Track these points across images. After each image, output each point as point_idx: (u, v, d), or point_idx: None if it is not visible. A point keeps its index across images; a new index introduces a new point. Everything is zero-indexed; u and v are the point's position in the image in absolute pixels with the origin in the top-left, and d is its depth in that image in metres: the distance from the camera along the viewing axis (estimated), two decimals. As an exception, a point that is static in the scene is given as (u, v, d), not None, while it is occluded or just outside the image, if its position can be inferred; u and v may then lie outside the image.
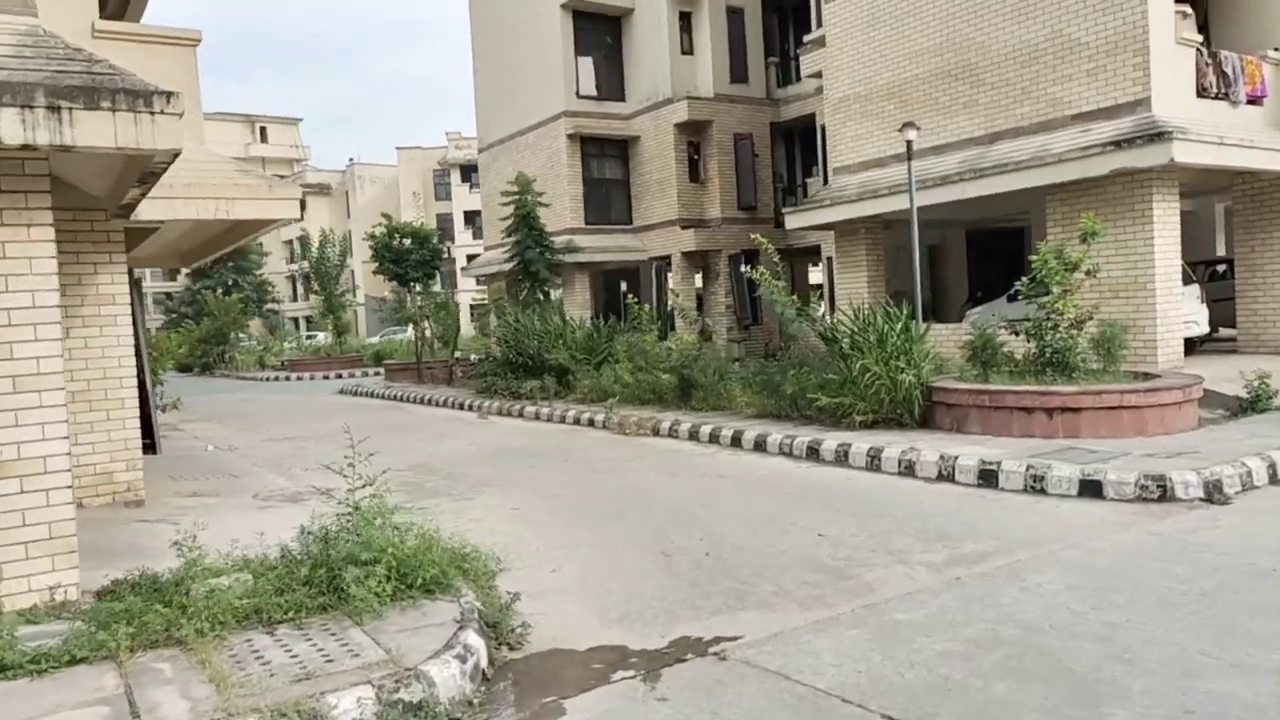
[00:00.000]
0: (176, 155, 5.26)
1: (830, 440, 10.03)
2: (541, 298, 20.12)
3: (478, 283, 31.03)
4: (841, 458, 9.70)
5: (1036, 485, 7.96)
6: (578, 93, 23.94)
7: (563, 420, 14.54)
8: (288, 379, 31.70)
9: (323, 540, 5.52)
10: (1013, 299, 13.21)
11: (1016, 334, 10.66)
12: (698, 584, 5.90)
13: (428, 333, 24.64)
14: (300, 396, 23.72)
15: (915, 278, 12.41)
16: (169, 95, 5.02)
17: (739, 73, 23.38)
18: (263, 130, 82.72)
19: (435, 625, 4.84)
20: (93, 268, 8.04)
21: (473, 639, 4.67)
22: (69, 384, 7.88)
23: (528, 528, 7.60)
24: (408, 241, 25.57)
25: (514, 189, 20.70)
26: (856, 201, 15.18)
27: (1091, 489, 7.69)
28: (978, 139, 14.15)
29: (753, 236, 13.18)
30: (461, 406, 17.59)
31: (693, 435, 11.89)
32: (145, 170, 5.71)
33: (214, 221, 9.17)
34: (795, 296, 12.23)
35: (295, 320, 65.04)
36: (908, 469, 8.99)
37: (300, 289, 67.90)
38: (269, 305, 52.24)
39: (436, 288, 25.01)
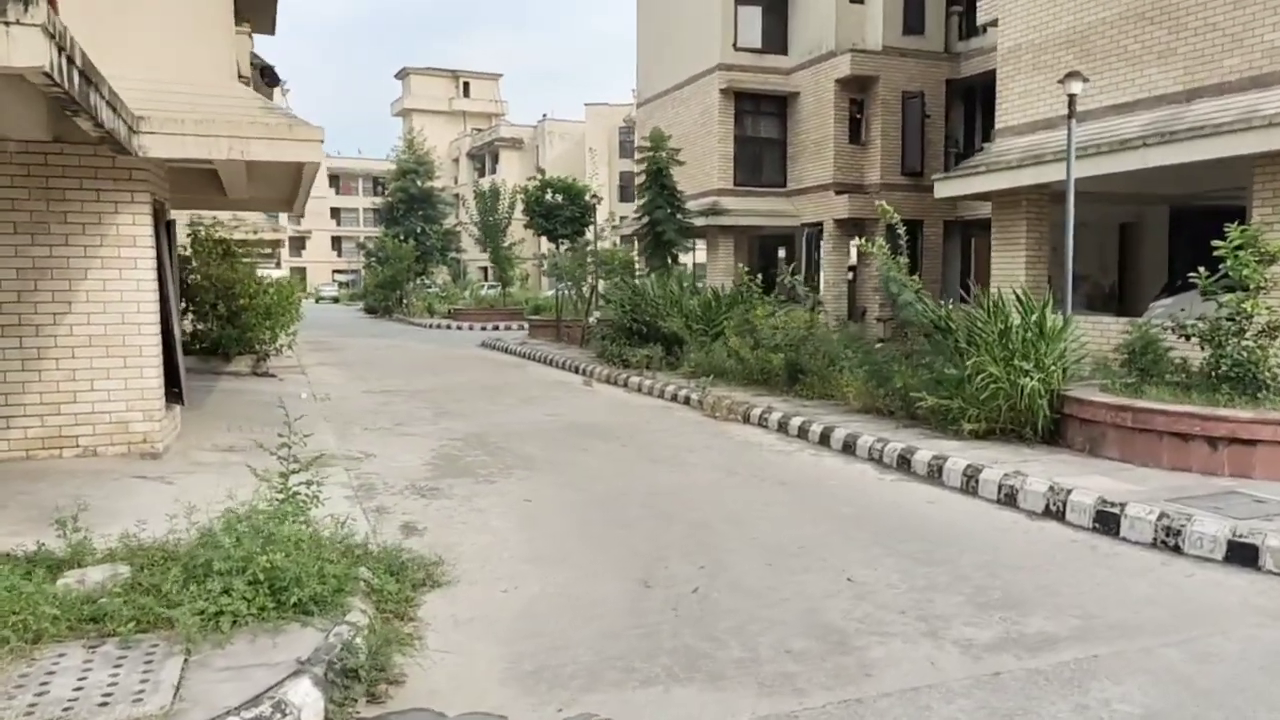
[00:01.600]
0: (48, 76, 4.46)
1: (926, 450, 8.35)
2: (670, 261, 18.88)
3: (621, 241, 30.19)
4: (934, 473, 8.02)
5: (1169, 540, 6.08)
6: (735, 44, 22.37)
7: (661, 395, 13.42)
8: (447, 328, 32.26)
9: (207, 535, 4.68)
10: (1208, 293, 10.74)
11: (1188, 337, 8.47)
12: (654, 634, 4.65)
13: (574, 291, 24.02)
14: (441, 347, 23.80)
15: (1067, 260, 10.27)
16: (28, 4, 4.20)
17: (914, 23, 20.97)
18: (465, 85, 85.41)
19: (276, 664, 3.89)
20: (113, 206, 7.60)
21: (300, 692, 3.68)
22: (86, 327, 7.52)
23: (522, 528, 6.56)
24: (560, 197, 25.05)
25: (648, 144, 19.47)
26: (1016, 169, 12.95)
27: (1243, 555, 5.76)
28: (1172, 96, 11.60)
29: (877, 203, 11.41)
30: (576, 370, 16.82)
31: (781, 427, 10.44)
32: (51, 93, 4.98)
33: (261, 164, 8.58)
34: (916, 275, 10.42)
35: (485, 269, 66.99)
36: (1008, 497, 7.24)
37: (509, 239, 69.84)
38: (452, 254, 53.67)
39: (588, 244, 24.21)
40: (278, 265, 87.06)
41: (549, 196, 25.21)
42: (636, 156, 20.58)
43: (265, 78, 28.57)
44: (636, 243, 20.78)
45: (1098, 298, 16.82)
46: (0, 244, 7.32)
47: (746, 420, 11.05)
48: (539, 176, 24.76)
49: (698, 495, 7.53)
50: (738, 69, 22.29)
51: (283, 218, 59.51)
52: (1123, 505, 6.44)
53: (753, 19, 22.44)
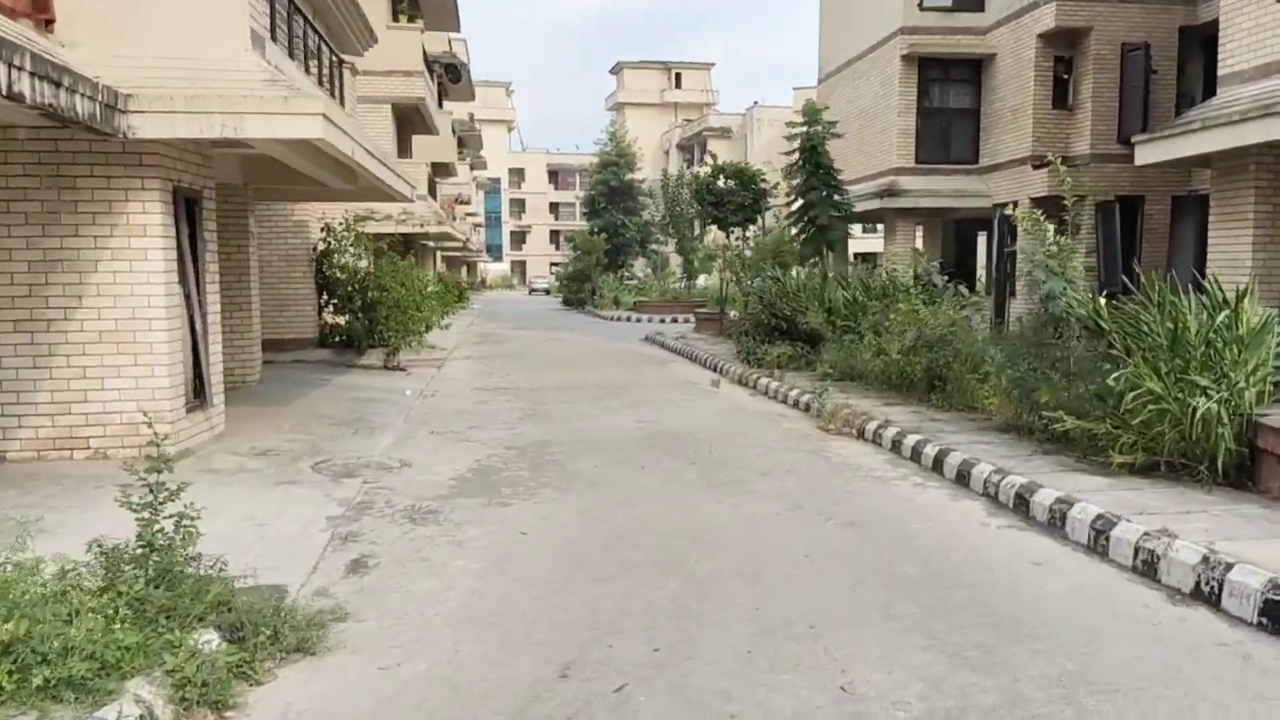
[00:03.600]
0: None
1: (1051, 488, 6.40)
2: (825, 249, 17.09)
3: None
4: (1057, 521, 6.09)
5: (1377, 656, 4.00)
6: (922, 3, 20.01)
7: (784, 400, 11.89)
8: (626, 320, 31.96)
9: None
10: None
11: None
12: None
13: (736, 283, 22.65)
14: (603, 340, 23.22)
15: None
16: None
17: (1136, -39, 17.77)
18: (677, 76, 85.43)
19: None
20: (123, 194, 7.21)
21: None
22: (96, 323, 7.18)
23: (486, 573, 5.43)
24: (732, 183, 23.72)
25: (800, 120, 17.73)
26: (1239, 123, 10.18)
27: None
28: None
29: (1051, 164, 9.22)
30: (715, 369, 15.54)
31: (895, 446, 8.66)
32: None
33: (290, 143, 7.96)
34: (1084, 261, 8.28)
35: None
36: (1146, 565, 5.26)
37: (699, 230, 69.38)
38: (652, 246, 53.48)
39: (760, 233, 22.83)
40: (498, 259, 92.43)
41: (720, 182, 23.91)
42: (787, 134, 18.87)
43: (450, 74, 29.25)
44: (793, 230, 19.06)
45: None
46: (12, 235, 7.10)
47: (861, 435, 9.33)
48: (711, 162, 23.36)
49: (733, 536, 6.09)
50: (923, 31, 19.95)
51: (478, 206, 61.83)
52: (1308, 596, 4.37)
53: (943, -26, 20.05)
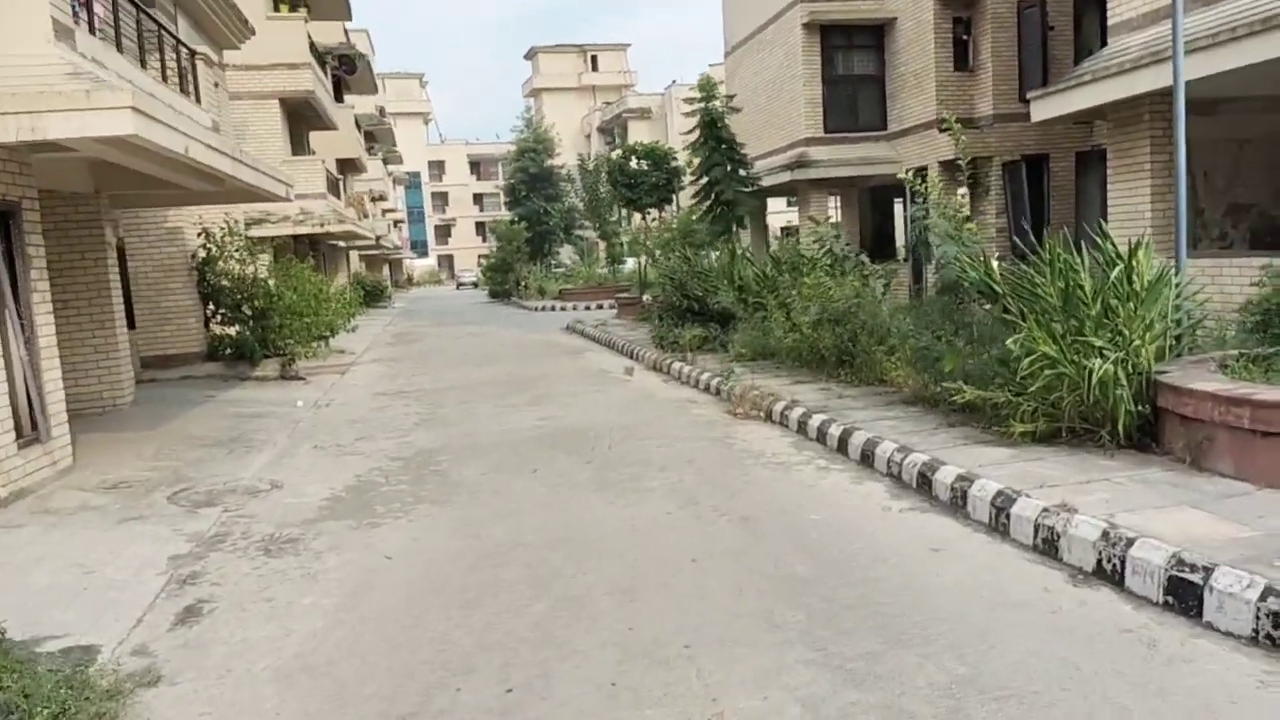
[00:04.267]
0: None
1: (953, 465, 6.06)
2: (734, 227, 16.75)
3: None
4: (959, 501, 5.75)
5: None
6: None
7: (696, 385, 11.48)
8: (550, 309, 31.39)
9: None
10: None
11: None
12: None
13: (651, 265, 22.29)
14: (523, 332, 22.59)
15: (1180, 188, 7.52)
16: None
17: (1027, -82, 17.68)
18: (593, 59, 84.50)
19: None
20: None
21: None
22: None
23: (336, 610, 4.87)
24: (645, 164, 23.32)
25: (698, 95, 17.35)
26: (1130, 72, 10.00)
27: None
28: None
29: (951, 127, 8.91)
30: (631, 355, 15.09)
31: (801, 427, 8.29)
32: None
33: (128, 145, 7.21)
34: (975, 224, 7.99)
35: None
36: (1047, 545, 4.93)
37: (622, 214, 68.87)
38: (577, 233, 52.74)
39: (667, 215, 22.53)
40: (423, 254, 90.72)
41: (632, 163, 23.51)
42: (683, 111, 18.49)
43: (344, 66, 28.17)
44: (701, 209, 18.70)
45: (1268, 234, 13.38)
46: None
47: (768, 417, 8.95)
48: (632, 144, 22.89)
49: (616, 544, 5.62)
50: None
51: (399, 204, 60.17)
52: (1209, 569, 4.05)
53: (836, -63, 19.74)
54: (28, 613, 4.79)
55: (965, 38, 17.99)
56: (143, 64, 9.70)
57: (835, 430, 7.63)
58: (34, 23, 6.57)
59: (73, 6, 7.71)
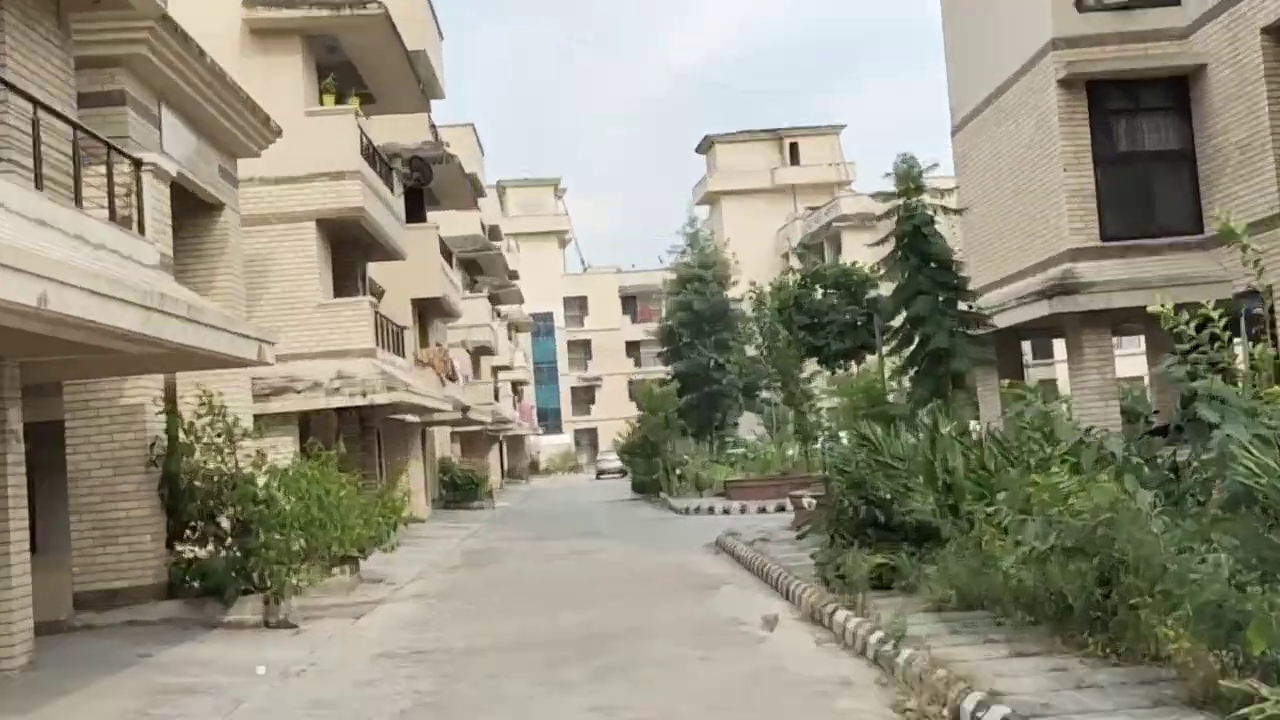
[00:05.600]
0: None
1: None
2: (951, 386, 15.86)
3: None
4: None
5: None
6: (1080, 3, 19.35)
7: (862, 650, 10.41)
8: (709, 512, 31.51)
9: None
10: None
11: None
12: None
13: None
14: (648, 549, 22.53)
15: None
16: None
17: None
18: (793, 147, 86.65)
19: None
20: None
21: None
22: None
23: None
24: (833, 295, 23.09)
25: (894, 190, 16.92)
26: None
27: None
28: None
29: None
30: (786, 593, 14.25)
31: (1001, 743, 7.01)
32: None
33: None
34: None
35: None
36: None
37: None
38: (762, 393, 52.54)
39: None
40: (554, 430, 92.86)
41: (817, 294, 23.30)
42: (880, 211, 18.09)
43: (416, 173, 29.75)
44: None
45: None
46: None
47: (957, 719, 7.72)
48: (794, 268, 22.70)
49: None
50: (1088, 42, 19.47)
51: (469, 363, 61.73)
52: None
53: (1111, -42, 19.60)
54: None
55: (1315, 88, 16.93)
56: (37, 181, 10.04)
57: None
58: None
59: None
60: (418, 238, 31.49)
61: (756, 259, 67.64)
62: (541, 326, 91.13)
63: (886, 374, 19.81)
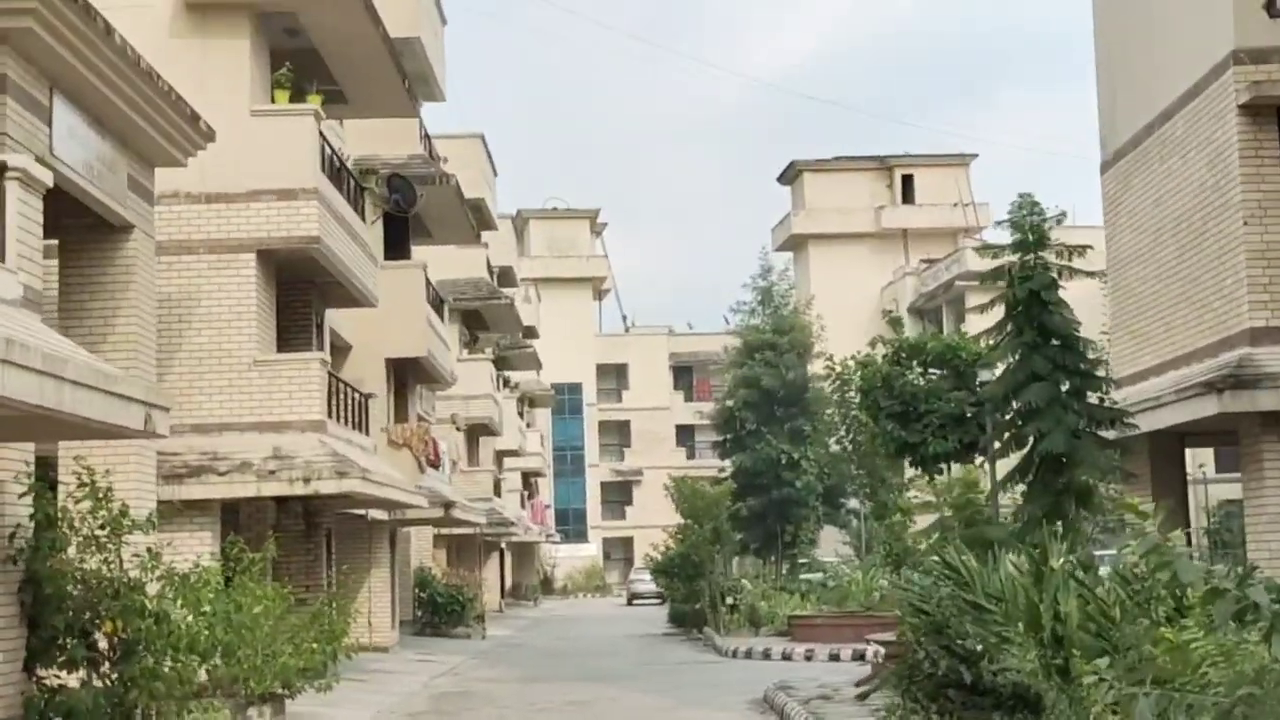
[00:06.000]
0: None
1: None
2: (1076, 505, 15.88)
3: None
4: None
5: None
6: (1271, 6, 19.48)
7: None
8: (763, 655, 32.04)
9: None
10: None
11: None
12: None
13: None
14: (668, 705, 22.56)
15: None
16: None
17: None
18: (905, 180, 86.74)
19: None
20: None
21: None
22: None
23: None
24: (933, 374, 23.14)
25: (1008, 243, 17.03)
26: None
27: None
28: None
29: None
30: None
31: None
32: None
33: None
34: None
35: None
36: None
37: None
38: (849, 503, 52.32)
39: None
40: (579, 537, 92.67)
41: (911, 374, 23.36)
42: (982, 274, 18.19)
43: (396, 194, 30.13)
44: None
45: None
46: None
47: None
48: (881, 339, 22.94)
49: None
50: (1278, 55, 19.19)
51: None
52: None
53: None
54: None
55: None
56: None
57: None
58: None
59: None
60: (397, 279, 31.83)
61: (853, 324, 67.12)
62: (566, 402, 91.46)
63: (991, 483, 19.74)
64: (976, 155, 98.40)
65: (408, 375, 36.39)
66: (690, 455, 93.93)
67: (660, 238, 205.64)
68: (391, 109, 29.54)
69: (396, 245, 33.46)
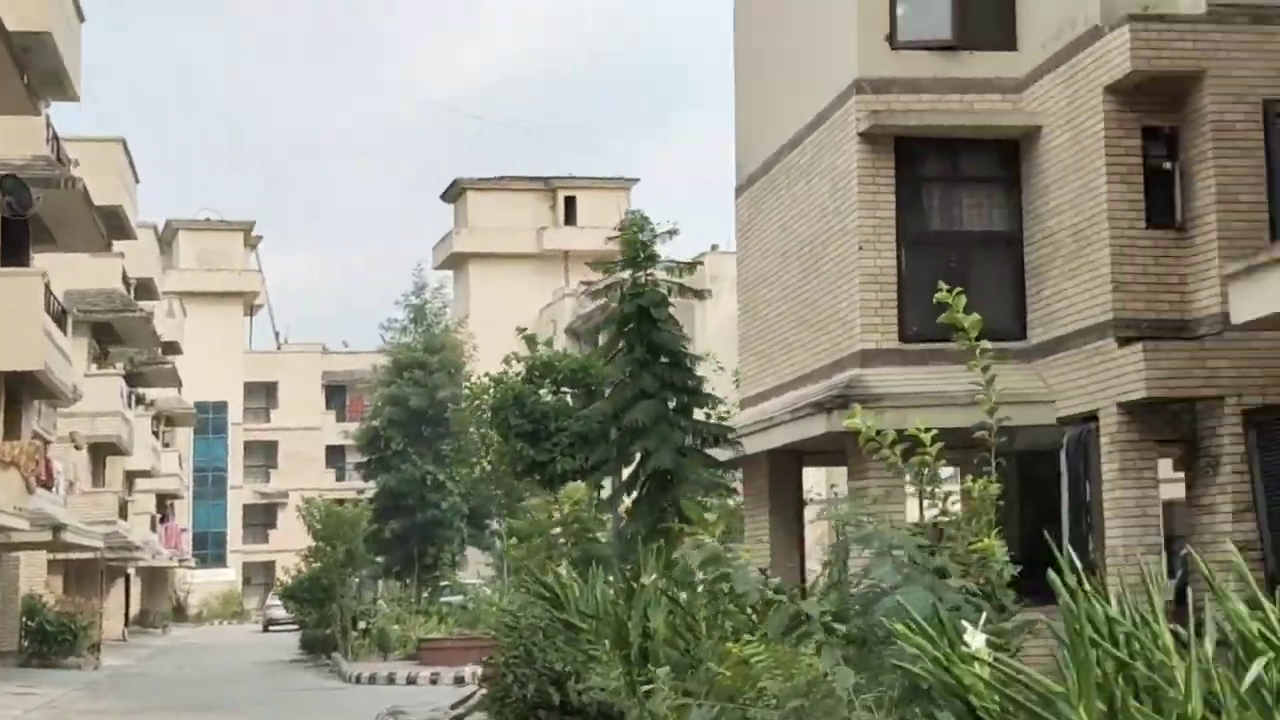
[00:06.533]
0: None
1: None
2: (677, 521, 16.25)
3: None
4: None
5: None
6: (893, 38, 20.25)
7: None
8: (388, 679, 32.52)
9: None
10: None
11: None
12: None
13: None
14: None
15: None
16: None
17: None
18: (568, 202, 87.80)
19: None
20: None
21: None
22: None
23: None
24: (567, 394, 23.35)
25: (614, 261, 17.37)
26: None
27: None
28: None
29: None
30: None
31: None
32: None
33: None
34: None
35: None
36: None
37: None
38: (491, 521, 52.46)
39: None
40: (218, 561, 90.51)
41: (543, 392, 23.51)
42: (585, 283, 18.49)
43: (9, 196, 28.97)
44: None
45: None
46: None
47: None
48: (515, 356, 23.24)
49: None
50: (900, 87, 20.16)
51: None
52: None
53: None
54: None
55: (1168, 165, 18.07)
56: None
57: None
58: None
59: None
60: (12, 287, 30.76)
61: (512, 345, 67.09)
62: (210, 420, 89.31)
63: (599, 501, 20.04)
64: (638, 180, 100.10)
65: (22, 389, 34.97)
66: (340, 477, 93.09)
67: (323, 254, 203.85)
68: (8, 106, 28.35)
69: (15, 250, 32.38)
